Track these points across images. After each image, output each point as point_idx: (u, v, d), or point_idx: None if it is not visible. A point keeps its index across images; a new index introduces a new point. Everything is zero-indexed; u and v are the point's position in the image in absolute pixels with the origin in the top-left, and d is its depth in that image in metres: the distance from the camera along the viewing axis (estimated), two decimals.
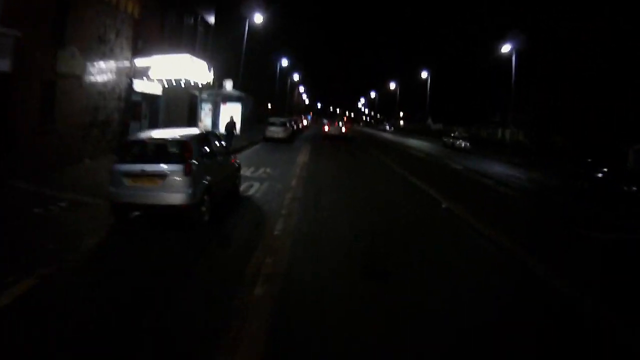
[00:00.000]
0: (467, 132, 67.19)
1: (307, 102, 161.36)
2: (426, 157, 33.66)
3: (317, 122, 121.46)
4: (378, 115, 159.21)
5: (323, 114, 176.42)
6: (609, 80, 34.98)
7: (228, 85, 33.74)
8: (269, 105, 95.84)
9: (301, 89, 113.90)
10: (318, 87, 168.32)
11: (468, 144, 41.64)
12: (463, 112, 78.09)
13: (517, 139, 57.73)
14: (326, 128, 47.12)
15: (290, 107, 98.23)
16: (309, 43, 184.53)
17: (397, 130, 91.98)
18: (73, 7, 14.14)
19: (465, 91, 74.06)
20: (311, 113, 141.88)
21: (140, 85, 18.54)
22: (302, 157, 24.23)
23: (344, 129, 46.46)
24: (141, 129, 18.74)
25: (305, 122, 64.24)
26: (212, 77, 22.10)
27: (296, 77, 79.36)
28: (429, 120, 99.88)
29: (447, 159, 32.58)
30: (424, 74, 63.88)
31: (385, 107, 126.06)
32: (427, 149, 42.18)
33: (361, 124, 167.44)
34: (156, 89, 19.73)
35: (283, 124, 34.64)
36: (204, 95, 29.17)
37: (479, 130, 71.29)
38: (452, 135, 46.52)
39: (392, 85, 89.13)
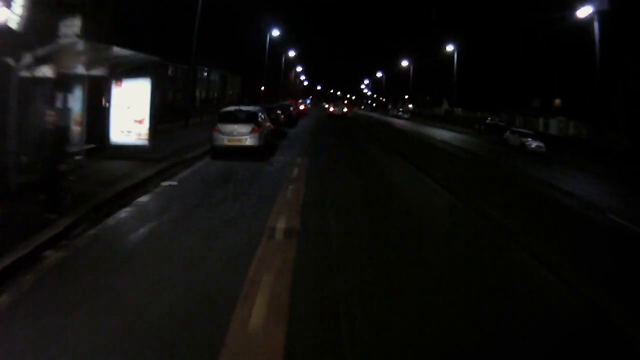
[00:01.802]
0: (496, 119, 55.51)
1: (305, 83, 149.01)
2: (496, 171, 20.98)
3: (317, 105, 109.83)
4: (382, 98, 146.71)
5: (323, 97, 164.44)
6: None
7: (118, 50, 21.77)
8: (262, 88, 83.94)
9: (299, 69, 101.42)
10: (317, 68, 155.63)
11: (542, 146, 28.85)
12: (490, 95, 66.04)
13: (568, 131, 45.94)
14: (331, 109, 60.53)
15: (286, 89, 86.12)
16: (306, 17, 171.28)
17: (414, 115, 78.45)
18: None
19: (497, 70, 61.70)
20: (311, 96, 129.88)
21: None
22: (287, 197, 11.34)
23: (345, 110, 59.64)
24: None
25: (302, 107, 52.16)
26: (78, 22, 9.75)
27: (292, 53, 67.17)
28: (445, 105, 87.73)
29: (531, 175, 19.47)
30: (449, 48, 51.44)
31: (392, 89, 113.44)
32: (473, 147, 30.21)
33: (362, 107, 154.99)
34: None
35: (249, 119, 17.69)
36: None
37: (513, 119, 59.24)
38: (519, 131, 32.98)
39: (403, 65, 76.35)
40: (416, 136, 34.72)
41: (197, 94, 49.40)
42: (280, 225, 8.58)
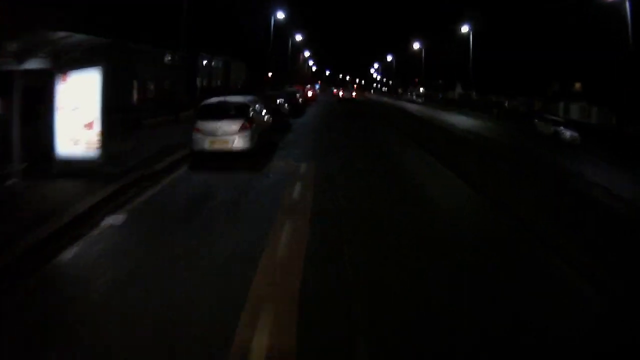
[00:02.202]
0: (506, 103, 52.58)
1: (314, 69, 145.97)
2: (538, 168, 16.97)
3: (326, 91, 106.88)
4: (390, 82, 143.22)
5: (332, 81, 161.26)
6: None
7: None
8: (269, 74, 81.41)
9: (306, 54, 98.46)
10: (326, 53, 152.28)
11: (577, 136, 26.00)
12: (506, 78, 62.84)
13: (590, 117, 43.04)
14: (340, 93, 66.75)
15: (293, 75, 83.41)
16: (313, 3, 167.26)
17: (427, 99, 74.94)
18: None
19: (513, 52, 58.51)
20: (319, 82, 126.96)
21: None
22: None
23: (354, 94, 65.61)
24: None
25: (310, 93, 49.25)
26: None
27: (299, 37, 64.39)
28: (458, 88, 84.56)
29: (586, 177, 15.96)
30: (464, 29, 48.38)
31: (403, 73, 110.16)
32: (499, 136, 27.48)
33: (372, 91, 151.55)
34: None
35: (238, 114, 13.75)
36: None
37: (531, 103, 56.11)
38: (551, 118, 29.46)
39: (415, 47, 73.14)
40: (436, 124, 31.09)
41: (198, 83, 47.00)
42: (260, 342, 4.33)
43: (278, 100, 22.17)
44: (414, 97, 71.84)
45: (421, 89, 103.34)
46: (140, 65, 35.25)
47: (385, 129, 24.47)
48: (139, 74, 35.43)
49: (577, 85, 51.77)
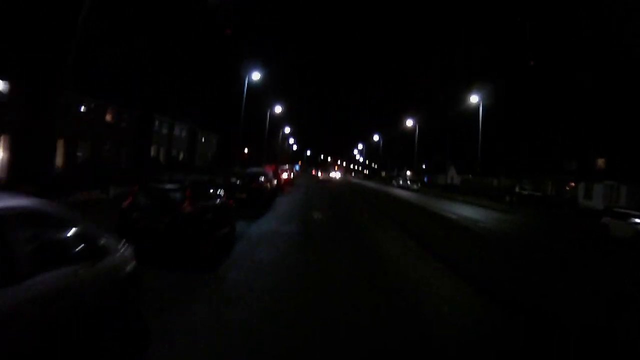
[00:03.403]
0: (529, 187, 45.19)
1: (295, 147, 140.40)
2: None
3: (307, 172, 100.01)
4: (375, 165, 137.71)
5: (313, 162, 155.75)
6: None
7: None
8: (245, 150, 74.02)
9: (287, 130, 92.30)
10: (307, 133, 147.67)
11: None
12: (507, 157, 56.24)
13: (619, 199, 35.81)
14: (319, 174, 73.37)
15: (271, 151, 76.27)
16: (295, 76, 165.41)
17: (426, 187, 64.35)
18: None
19: (518, 128, 52.20)
20: (300, 162, 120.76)
21: None
22: None
23: (332, 175, 72.01)
24: None
25: (285, 175, 39.02)
26: None
27: (278, 109, 57.59)
28: (452, 171, 77.95)
29: None
30: (473, 98, 41.77)
31: (387, 156, 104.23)
32: (558, 241, 18.62)
33: (353, 174, 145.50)
34: None
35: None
36: None
37: (542, 185, 48.88)
38: (630, 213, 18.52)
39: (406, 125, 66.83)
40: (462, 225, 19.54)
41: (153, 152, 38.69)
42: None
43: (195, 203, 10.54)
44: (408, 182, 61.40)
45: (408, 172, 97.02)
46: (69, 120, 27.00)
47: (385, 235, 14.57)
48: (66, 132, 27.07)
49: (600, 161, 44.97)
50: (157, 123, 38.40)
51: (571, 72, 43.99)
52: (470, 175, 71.28)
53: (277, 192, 27.36)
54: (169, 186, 9.20)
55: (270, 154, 74.47)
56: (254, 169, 25.04)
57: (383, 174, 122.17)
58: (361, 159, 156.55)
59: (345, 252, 11.11)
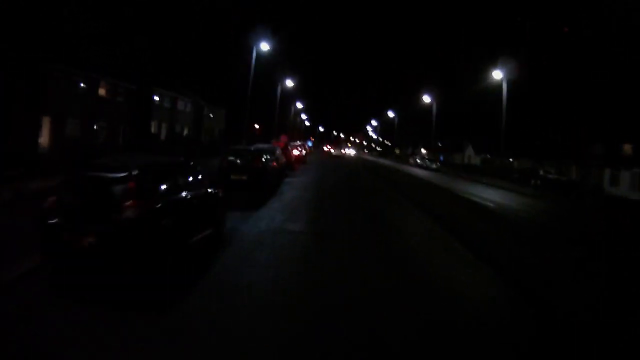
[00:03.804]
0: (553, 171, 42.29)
1: (307, 124, 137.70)
2: None
3: (319, 149, 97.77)
4: (388, 142, 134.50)
5: (326, 139, 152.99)
6: None
7: None
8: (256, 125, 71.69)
9: (299, 105, 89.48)
10: (320, 109, 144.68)
11: None
12: (529, 138, 53.06)
13: None
14: (332, 151, 76.70)
15: (282, 127, 73.81)
16: (309, 53, 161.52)
17: (446, 166, 59.97)
18: None
19: (542, 108, 48.98)
20: (312, 138, 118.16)
21: None
22: None
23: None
24: None
25: (297, 152, 35.77)
26: None
27: (290, 83, 54.80)
28: (469, 151, 74.97)
29: None
30: (497, 75, 38.63)
31: (401, 132, 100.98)
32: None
33: (366, 151, 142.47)
34: None
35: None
36: None
37: (566, 169, 45.93)
38: None
39: (424, 100, 63.67)
40: (500, 214, 16.42)
41: (154, 128, 36.46)
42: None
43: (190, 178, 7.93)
44: (426, 162, 56.05)
45: (423, 150, 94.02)
46: (55, 94, 24.80)
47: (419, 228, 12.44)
48: (52, 107, 24.90)
49: (627, 147, 41.97)
50: (158, 97, 36.02)
51: (602, 50, 40.66)
52: (488, 155, 68.31)
53: (286, 172, 24.98)
54: (111, 175, 5.95)
55: (281, 130, 72.01)
56: (260, 146, 22.05)
57: (397, 151, 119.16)
58: (374, 136, 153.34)
59: (373, 264, 8.15)
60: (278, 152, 23.79)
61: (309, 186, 20.68)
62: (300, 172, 29.03)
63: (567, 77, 42.56)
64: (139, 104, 31.95)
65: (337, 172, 33.31)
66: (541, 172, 39.85)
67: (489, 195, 25.40)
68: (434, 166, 52.91)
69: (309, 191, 18.60)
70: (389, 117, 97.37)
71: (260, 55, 38.72)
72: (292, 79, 55.88)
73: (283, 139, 33.92)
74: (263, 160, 16.77)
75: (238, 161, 16.14)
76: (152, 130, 35.49)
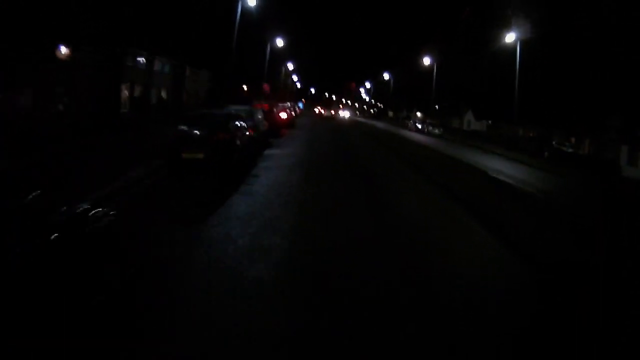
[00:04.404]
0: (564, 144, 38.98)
1: (298, 86, 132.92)
2: None
3: (310, 111, 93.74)
4: (381, 105, 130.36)
5: (318, 101, 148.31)
6: None
7: None
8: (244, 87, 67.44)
9: (290, 67, 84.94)
10: (311, 69, 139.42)
11: None
12: (533, 104, 49.42)
13: None
14: (323, 112, 78.17)
15: (273, 90, 69.67)
16: (299, 10, 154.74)
17: (448, 132, 54.17)
18: None
19: (550, 72, 45.13)
20: (303, 100, 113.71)
21: None
22: None
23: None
24: None
25: (284, 114, 31.55)
26: None
27: (280, 43, 50.45)
28: (469, 116, 71.35)
29: None
30: (510, 37, 34.61)
31: (396, 95, 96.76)
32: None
33: (358, 113, 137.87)
34: None
35: None
36: None
37: (578, 141, 42.58)
38: None
39: (423, 62, 59.52)
40: (530, 194, 13.73)
41: (127, 93, 32.48)
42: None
43: None
44: (428, 127, 51.00)
45: (418, 114, 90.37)
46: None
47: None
48: None
49: None
50: (130, 57, 31.92)
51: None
52: (489, 121, 64.84)
53: (270, 139, 21.14)
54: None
55: (272, 92, 67.80)
56: (234, 108, 17.22)
57: (390, 114, 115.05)
58: (367, 98, 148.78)
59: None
60: (259, 116, 19.76)
61: (296, 163, 15.62)
62: (288, 138, 25.11)
63: (583, 39, 38.59)
64: (106, 67, 27.92)
65: (332, 139, 29.27)
66: (554, 143, 36.57)
67: (503, 167, 22.06)
68: (436, 132, 48.47)
69: (296, 172, 13.67)
70: (383, 79, 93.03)
71: (247, 11, 34.54)
72: (283, 38, 51.54)
73: (266, 88, 29.54)
74: (231, 129, 12.33)
75: (195, 132, 11.57)
76: (126, 94, 31.57)
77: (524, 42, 35.00)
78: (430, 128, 49.66)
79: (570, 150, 35.68)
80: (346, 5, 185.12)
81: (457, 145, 37.69)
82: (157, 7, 33.51)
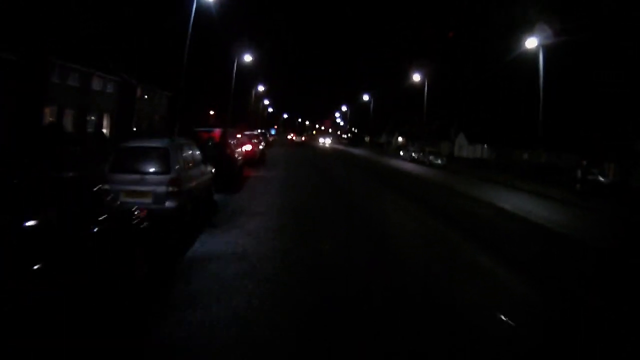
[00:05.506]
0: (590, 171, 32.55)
1: (270, 110, 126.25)
2: None
3: (283, 137, 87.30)
4: (355, 129, 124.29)
5: (290, 127, 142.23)
6: None
7: None
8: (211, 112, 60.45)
9: (260, 88, 78.40)
10: (284, 95, 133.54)
11: None
12: (532, 123, 43.29)
13: None
14: (294, 138, 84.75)
15: (242, 114, 62.80)
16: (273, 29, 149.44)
17: (452, 162, 47.16)
18: None
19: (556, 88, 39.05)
20: (275, 126, 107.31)
21: None
22: None
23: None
24: None
25: (249, 147, 24.21)
26: None
27: (249, 58, 43.55)
28: (460, 138, 65.25)
29: None
30: (531, 43, 28.43)
31: (374, 118, 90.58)
32: None
33: (331, 139, 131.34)
34: None
35: None
36: None
37: (604, 168, 36.28)
38: None
39: (412, 80, 53.54)
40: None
41: (51, 116, 24.79)
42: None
43: None
44: (428, 157, 41.05)
45: (400, 139, 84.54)
46: None
47: None
48: None
49: None
50: (59, 73, 24.37)
51: None
52: (485, 146, 58.88)
53: (214, 200, 12.22)
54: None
55: (239, 116, 60.70)
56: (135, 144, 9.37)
57: (367, 139, 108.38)
58: (342, 123, 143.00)
59: None
60: (190, 154, 10.14)
61: (256, 271, 6.63)
62: (251, 191, 15.21)
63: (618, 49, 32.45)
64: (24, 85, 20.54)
65: (319, 184, 19.71)
66: (579, 174, 29.79)
67: (550, 214, 15.11)
68: (439, 162, 39.72)
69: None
70: (362, 102, 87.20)
71: (210, 23, 27.85)
72: (253, 56, 44.78)
73: (211, 134, 18.05)
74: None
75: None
76: (49, 119, 23.90)
77: (546, 50, 28.98)
78: (432, 157, 40.45)
79: (602, 179, 29.35)
80: (324, 21, 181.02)
81: (466, 178, 30.12)
82: (93, 5, 26.27)
